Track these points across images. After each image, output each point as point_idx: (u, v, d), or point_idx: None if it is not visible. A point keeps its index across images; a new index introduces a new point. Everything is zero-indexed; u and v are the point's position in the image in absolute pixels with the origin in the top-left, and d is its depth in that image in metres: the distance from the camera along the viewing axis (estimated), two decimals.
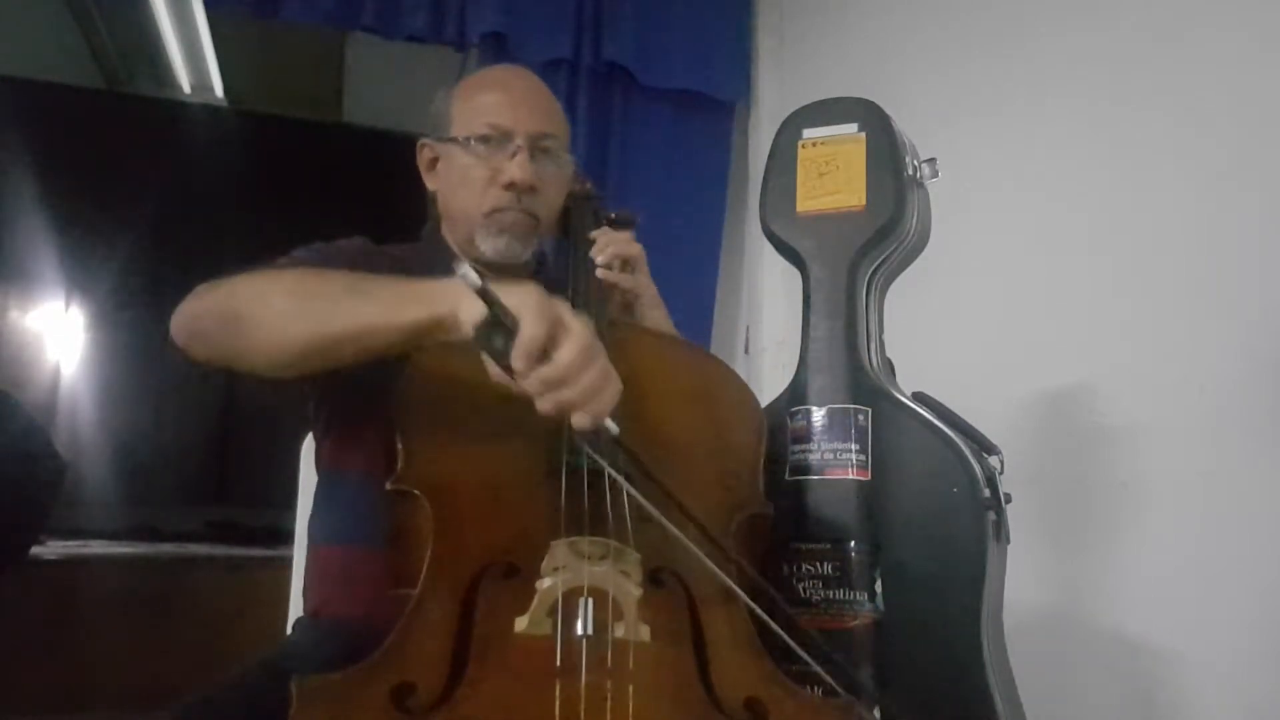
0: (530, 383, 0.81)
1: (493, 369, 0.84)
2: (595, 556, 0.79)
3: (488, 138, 1.17)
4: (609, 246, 1.21)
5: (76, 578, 2.44)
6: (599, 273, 1.20)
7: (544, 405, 0.82)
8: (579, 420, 0.82)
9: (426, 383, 0.94)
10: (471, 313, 0.82)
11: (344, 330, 0.90)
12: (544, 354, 0.80)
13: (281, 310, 0.92)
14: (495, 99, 1.20)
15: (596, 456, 0.86)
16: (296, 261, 1.09)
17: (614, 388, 0.85)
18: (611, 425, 0.84)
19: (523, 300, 0.81)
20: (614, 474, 0.86)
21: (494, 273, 1.21)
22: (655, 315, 1.25)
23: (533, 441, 0.90)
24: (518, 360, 0.80)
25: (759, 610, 0.86)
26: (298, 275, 0.97)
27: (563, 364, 0.80)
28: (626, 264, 1.22)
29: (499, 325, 0.81)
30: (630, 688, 0.74)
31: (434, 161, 1.24)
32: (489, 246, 1.19)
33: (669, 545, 0.85)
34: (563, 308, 0.83)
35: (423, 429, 0.92)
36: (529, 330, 0.80)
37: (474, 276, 0.79)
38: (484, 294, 0.80)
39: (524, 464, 0.91)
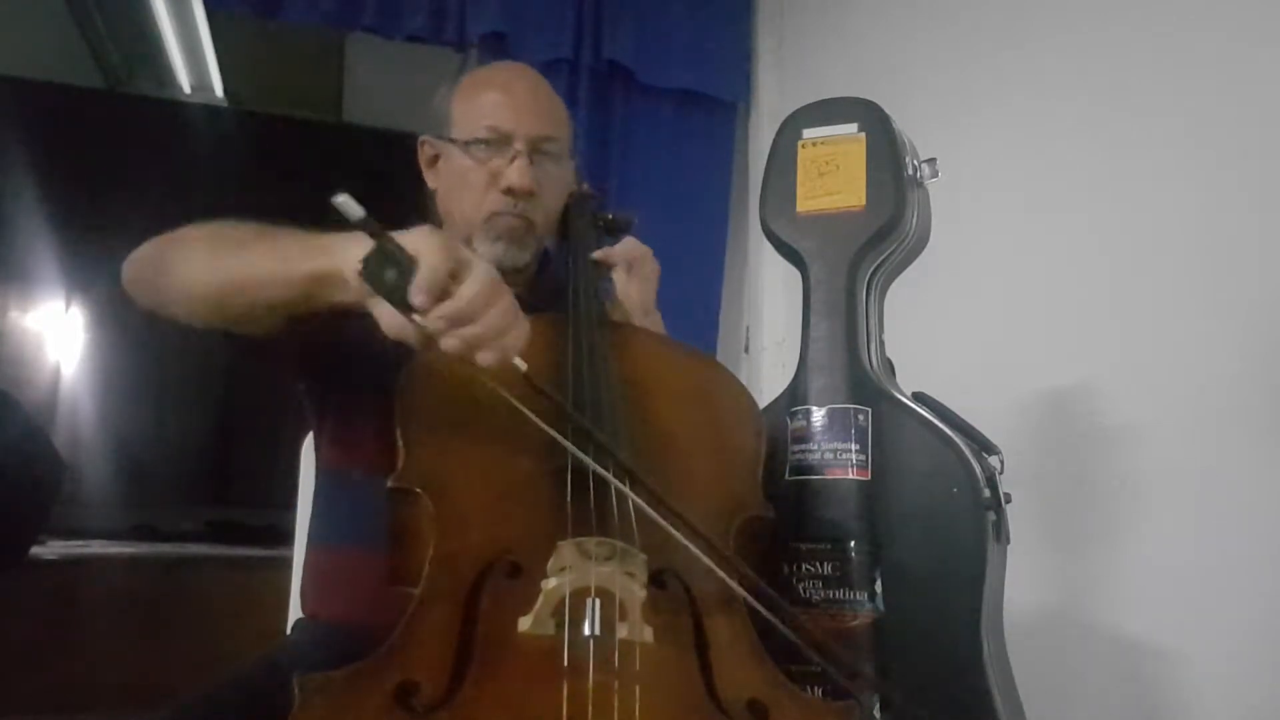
0: (432, 320, 0.79)
1: (388, 316, 0.81)
2: (601, 557, 0.79)
3: (487, 141, 1.16)
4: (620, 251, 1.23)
5: (76, 578, 2.44)
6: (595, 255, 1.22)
7: (448, 344, 0.80)
8: (485, 358, 0.80)
9: (428, 380, 0.94)
10: (358, 259, 0.80)
11: (243, 279, 0.90)
12: (445, 291, 0.78)
13: (195, 259, 0.94)
14: (496, 99, 1.19)
15: (597, 467, 0.85)
16: None
17: (521, 328, 0.84)
18: (520, 364, 0.83)
19: (420, 238, 0.80)
20: (617, 483, 0.85)
21: None
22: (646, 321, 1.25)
23: (536, 440, 0.89)
24: (418, 294, 0.77)
25: (760, 608, 0.85)
26: (218, 226, 0.96)
27: (466, 298, 0.79)
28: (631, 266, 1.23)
29: (389, 259, 0.78)
30: (636, 689, 0.73)
31: (435, 159, 1.23)
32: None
33: (672, 547, 0.85)
34: (463, 247, 0.82)
35: (424, 426, 0.91)
36: (430, 261, 0.78)
37: (354, 207, 0.76)
38: (366, 225, 0.77)
39: (527, 462, 0.90)
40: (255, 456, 2.95)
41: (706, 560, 0.84)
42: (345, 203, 0.76)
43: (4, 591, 2.05)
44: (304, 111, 3.55)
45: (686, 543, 0.84)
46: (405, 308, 0.79)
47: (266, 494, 2.03)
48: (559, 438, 0.85)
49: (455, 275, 0.79)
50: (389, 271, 0.78)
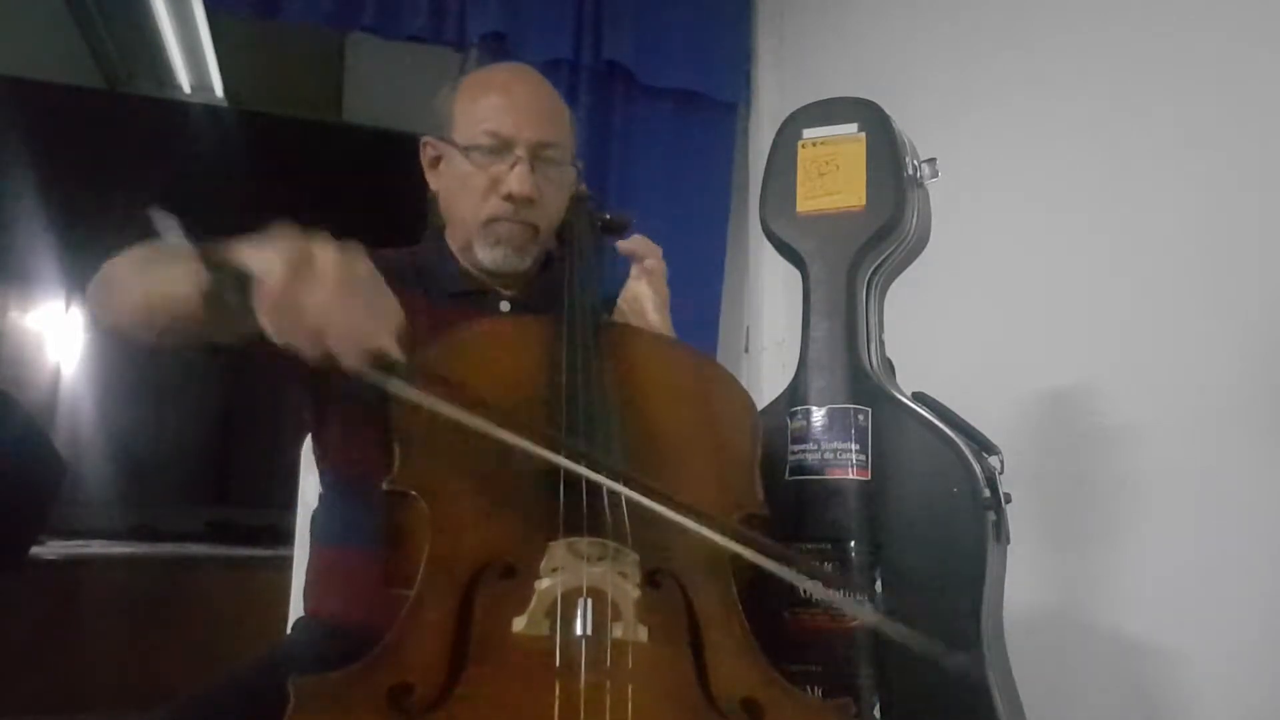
0: (285, 334, 0.75)
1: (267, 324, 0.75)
2: (593, 557, 0.79)
3: (488, 147, 1.16)
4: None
5: (76, 578, 2.44)
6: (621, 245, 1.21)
7: (311, 353, 0.76)
8: (349, 362, 0.78)
9: (422, 383, 0.94)
10: (200, 280, 0.76)
11: (159, 299, 0.89)
12: (293, 300, 0.74)
13: (125, 277, 0.95)
14: (496, 103, 1.17)
15: (589, 474, 0.85)
16: None
17: (385, 320, 0.81)
18: (394, 351, 0.80)
19: (258, 247, 0.75)
20: (609, 482, 0.85)
21: (494, 280, 1.22)
22: (655, 319, 1.25)
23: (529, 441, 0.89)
24: (264, 315, 0.73)
25: (770, 563, 0.85)
26: (152, 244, 0.93)
27: (317, 307, 0.74)
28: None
29: (227, 280, 0.73)
30: (629, 688, 0.73)
31: (437, 160, 1.23)
32: (486, 256, 1.18)
33: (666, 547, 0.85)
34: (308, 242, 0.77)
35: (418, 429, 0.92)
36: (270, 281, 0.73)
37: (172, 226, 0.72)
38: (201, 252, 0.72)
39: (520, 464, 0.91)
40: (255, 456, 2.95)
41: (704, 529, 0.84)
42: (160, 219, 0.71)
43: (4, 591, 2.05)
44: (304, 111, 3.55)
45: (679, 518, 0.84)
46: (255, 323, 0.74)
47: (266, 494, 2.03)
48: (552, 456, 0.85)
49: (299, 277, 0.74)
50: (229, 292, 0.73)
